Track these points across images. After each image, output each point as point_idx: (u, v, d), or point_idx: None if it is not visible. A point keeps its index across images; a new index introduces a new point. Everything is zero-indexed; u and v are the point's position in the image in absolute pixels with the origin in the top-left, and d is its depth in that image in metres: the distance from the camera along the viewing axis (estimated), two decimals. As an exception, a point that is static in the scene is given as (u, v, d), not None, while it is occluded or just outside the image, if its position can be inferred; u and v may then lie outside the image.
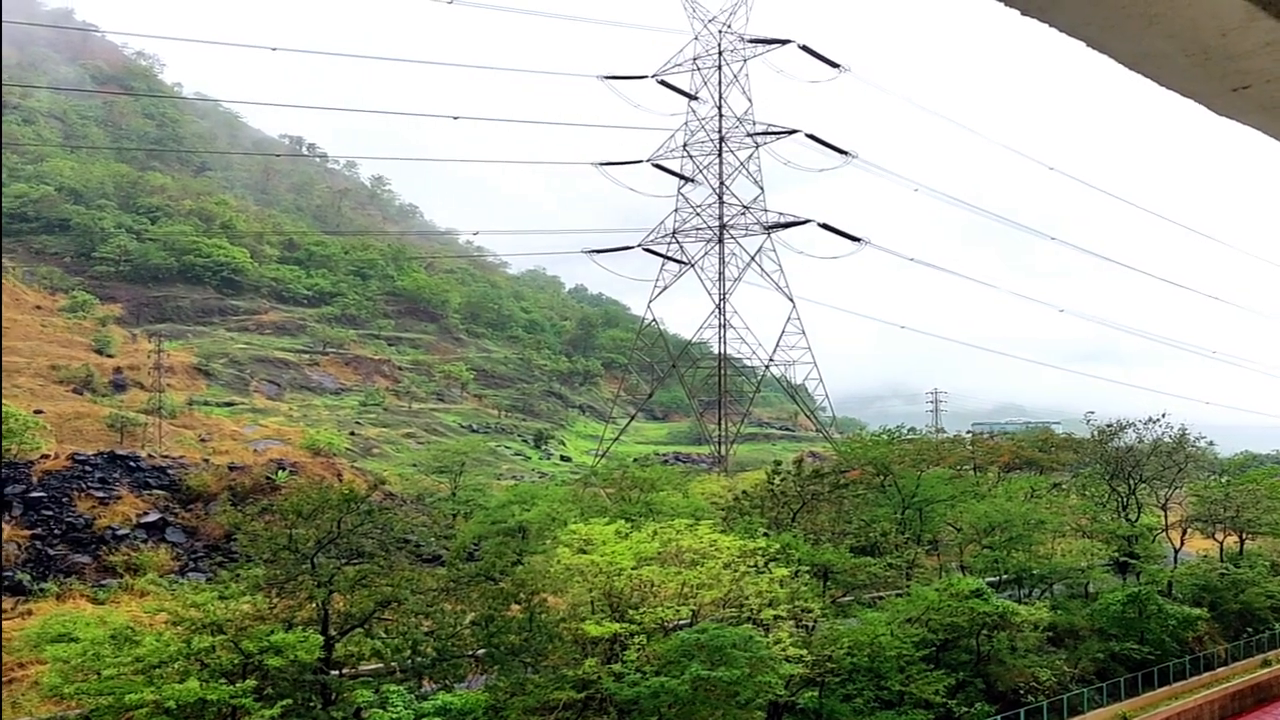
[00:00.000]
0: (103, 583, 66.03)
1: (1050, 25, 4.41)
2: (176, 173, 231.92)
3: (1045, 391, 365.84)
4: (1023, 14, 4.37)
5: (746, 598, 49.19)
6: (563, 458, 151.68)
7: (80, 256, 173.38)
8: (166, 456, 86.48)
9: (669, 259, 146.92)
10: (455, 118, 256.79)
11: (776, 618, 48.71)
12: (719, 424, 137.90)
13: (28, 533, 69.40)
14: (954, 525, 78.77)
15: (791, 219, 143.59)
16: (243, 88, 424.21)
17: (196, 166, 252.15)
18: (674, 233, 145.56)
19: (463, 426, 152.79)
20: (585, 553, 49.97)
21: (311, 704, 41.49)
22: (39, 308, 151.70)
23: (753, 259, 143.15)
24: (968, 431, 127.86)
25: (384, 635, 44.97)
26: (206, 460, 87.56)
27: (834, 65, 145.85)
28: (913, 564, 69.04)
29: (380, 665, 45.41)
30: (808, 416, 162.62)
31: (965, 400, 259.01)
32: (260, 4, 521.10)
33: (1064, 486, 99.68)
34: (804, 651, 46.79)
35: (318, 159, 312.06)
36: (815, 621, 52.76)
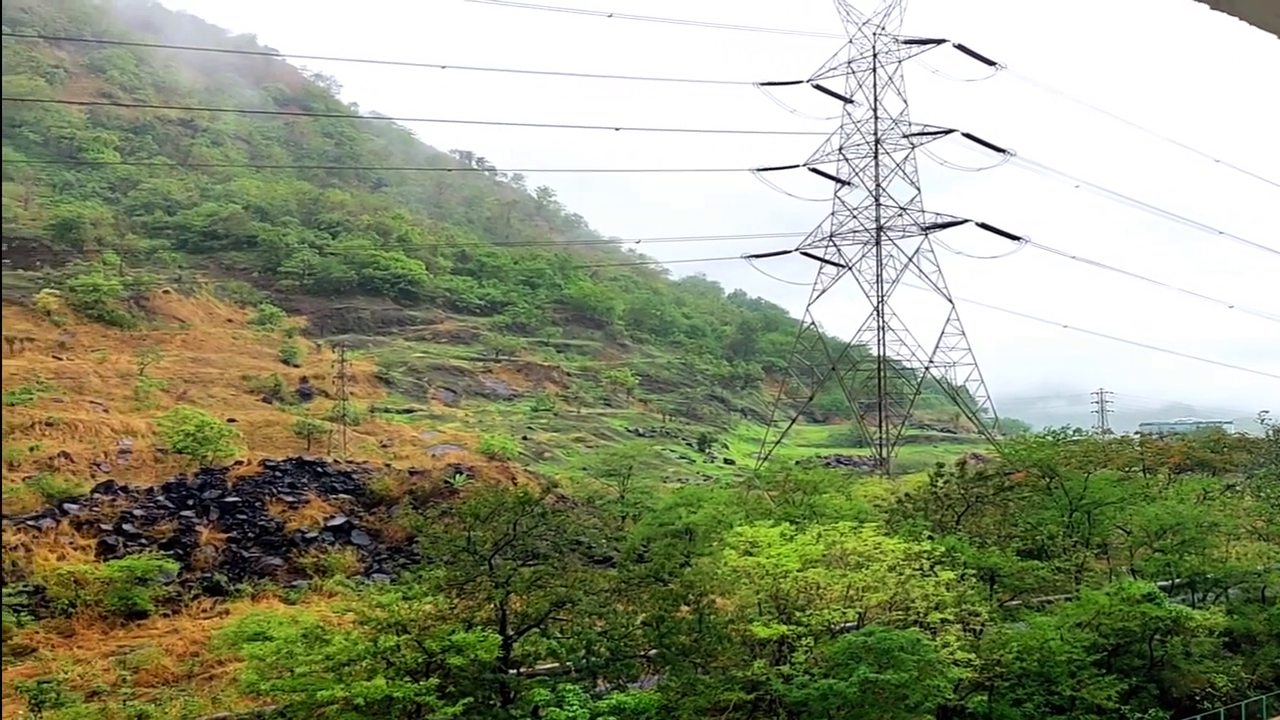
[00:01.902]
0: (293, 583, 68.10)
1: (1240, 19, 4.29)
2: (354, 189, 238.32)
3: (1215, 390, 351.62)
4: (1212, 8, 4.25)
5: (912, 601, 48.47)
6: (726, 460, 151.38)
7: (267, 271, 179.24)
8: (351, 462, 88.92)
9: (827, 262, 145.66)
10: (617, 129, 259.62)
11: (943, 621, 47.88)
12: (879, 426, 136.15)
13: (224, 536, 72.02)
14: (1123, 528, 76.32)
15: (949, 219, 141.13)
16: (415, 105, 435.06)
17: (373, 182, 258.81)
18: (831, 236, 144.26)
19: (629, 430, 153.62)
20: (751, 555, 49.82)
21: (491, 702, 42.20)
22: (230, 321, 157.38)
23: (910, 260, 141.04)
24: (1135, 432, 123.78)
25: (559, 635, 45.49)
26: (388, 465, 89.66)
27: (990, 63, 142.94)
28: (1081, 567, 67.05)
29: (556, 664, 45.91)
30: (969, 418, 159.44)
31: (1131, 400, 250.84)
32: (429, 24, 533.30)
33: (1238, 488, 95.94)
34: (972, 655, 45.89)
35: (487, 173, 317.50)
36: (983, 625, 51.70)
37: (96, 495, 76.40)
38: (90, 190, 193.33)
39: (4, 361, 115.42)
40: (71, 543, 69.07)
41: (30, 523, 70.28)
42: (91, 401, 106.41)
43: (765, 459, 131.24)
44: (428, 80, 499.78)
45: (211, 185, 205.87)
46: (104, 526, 71.25)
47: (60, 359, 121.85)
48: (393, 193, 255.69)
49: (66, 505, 73.70)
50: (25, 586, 62.52)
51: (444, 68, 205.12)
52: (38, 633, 59.01)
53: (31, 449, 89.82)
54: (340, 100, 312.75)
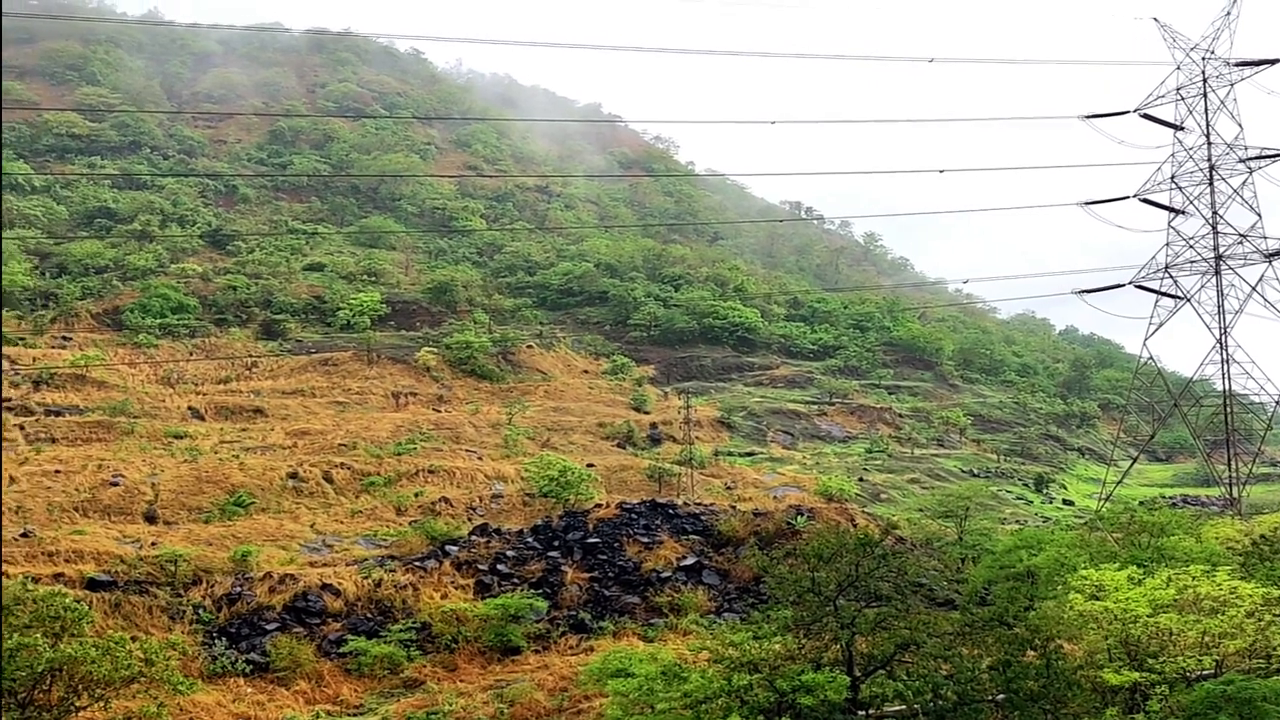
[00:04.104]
0: (651, 621, 69.70)
1: None
2: (694, 243, 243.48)
3: None
4: None
5: (1274, 648, 45.14)
6: (1064, 501, 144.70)
7: (618, 324, 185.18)
8: (699, 504, 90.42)
9: (1163, 294, 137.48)
10: (941, 171, 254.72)
11: (1309, 671, 44.38)
12: (1228, 464, 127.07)
13: (587, 575, 74.58)
14: None
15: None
16: (747, 161, 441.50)
17: (710, 236, 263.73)
18: (1166, 267, 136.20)
19: (963, 471, 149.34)
20: (1097, 599, 47.67)
21: (842, 742, 42.05)
22: (586, 372, 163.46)
23: (1254, 289, 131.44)
24: None
25: (905, 677, 44.81)
26: (733, 507, 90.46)
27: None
28: None
29: (903, 707, 45.10)
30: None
31: None
32: (758, 84, 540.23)
33: None
34: (1342, 708, 42.24)
35: (815, 221, 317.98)
36: (1352, 676, 47.48)
37: (473, 538, 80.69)
38: (460, 255, 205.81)
39: (393, 414, 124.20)
40: (453, 582, 73.31)
41: (417, 563, 75.14)
42: (467, 450, 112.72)
43: (1106, 499, 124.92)
44: (758, 136, 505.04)
45: (566, 246, 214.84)
46: (480, 567, 75.24)
47: (439, 411, 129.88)
48: (729, 245, 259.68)
49: (448, 547, 78.28)
50: (414, 623, 66.84)
51: (773, 123, 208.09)
52: (425, 666, 62.96)
53: (416, 495, 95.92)
54: (679, 160, 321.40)
